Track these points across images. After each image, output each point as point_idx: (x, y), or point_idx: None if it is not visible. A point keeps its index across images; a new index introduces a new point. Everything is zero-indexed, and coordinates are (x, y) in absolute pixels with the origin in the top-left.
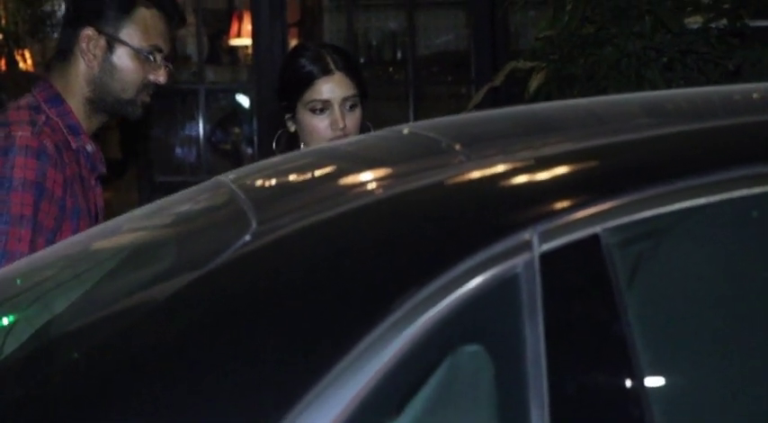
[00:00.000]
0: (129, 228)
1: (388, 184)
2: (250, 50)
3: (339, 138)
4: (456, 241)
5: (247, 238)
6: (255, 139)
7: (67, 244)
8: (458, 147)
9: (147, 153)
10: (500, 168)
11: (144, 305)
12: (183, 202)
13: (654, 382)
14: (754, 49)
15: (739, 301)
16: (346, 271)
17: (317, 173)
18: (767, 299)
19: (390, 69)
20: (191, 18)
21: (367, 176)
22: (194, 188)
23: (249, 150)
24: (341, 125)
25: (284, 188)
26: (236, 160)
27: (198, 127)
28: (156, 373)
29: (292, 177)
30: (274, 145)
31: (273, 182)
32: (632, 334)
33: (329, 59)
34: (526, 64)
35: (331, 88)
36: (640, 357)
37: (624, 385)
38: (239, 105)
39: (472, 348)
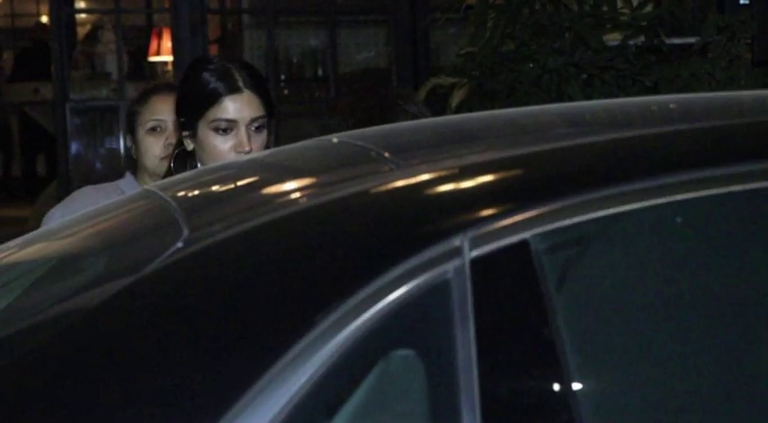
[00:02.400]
0: (57, 237)
1: (317, 192)
2: (170, 67)
3: None
4: (386, 248)
5: (179, 244)
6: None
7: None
8: (387, 155)
9: (67, 169)
10: (429, 176)
11: (75, 312)
12: (111, 211)
13: (582, 385)
14: (670, 66)
15: (665, 305)
16: (276, 278)
17: (246, 182)
18: (693, 302)
19: (311, 86)
20: (110, 35)
21: (296, 185)
22: (122, 198)
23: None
24: (246, 148)
25: (214, 197)
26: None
27: (118, 142)
28: (83, 380)
29: (221, 186)
30: (171, 164)
31: (203, 190)
32: (561, 338)
33: (237, 76)
34: (447, 80)
35: (238, 108)
36: (569, 361)
37: (553, 389)
38: None
39: (403, 354)
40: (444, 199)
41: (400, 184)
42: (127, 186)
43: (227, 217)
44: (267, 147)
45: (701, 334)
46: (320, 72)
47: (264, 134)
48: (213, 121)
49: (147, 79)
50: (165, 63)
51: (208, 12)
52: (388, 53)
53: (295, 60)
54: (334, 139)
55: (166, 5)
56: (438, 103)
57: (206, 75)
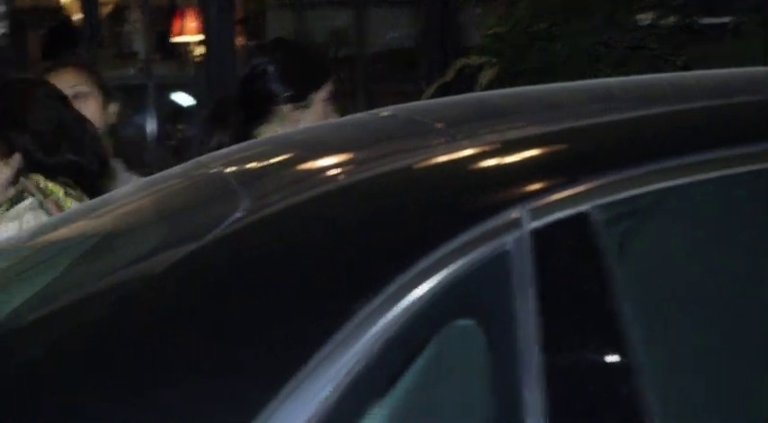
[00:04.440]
0: (112, 208)
1: (373, 165)
2: (195, 47)
3: None
4: (446, 219)
5: (238, 214)
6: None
7: (49, 225)
8: (442, 127)
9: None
10: (486, 148)
11: (134, 282)
12: (166, 181)
13: (642, 356)
14: (702, 46)
15: (724, 276)
16: (335, 250)
17: (300, 154)
18: (754, 274)
19: (339, 67)
20: (137, 14)
21: (351, 157)
22: (176, 169)
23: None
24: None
25: (269, 168)
26: (184, 156)
27: (145, 121)
28: (143, 350)
29: (276, 158)
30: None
31: (258, 162)
32: (621, 309)
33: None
34: (476, 60)
35: None
36: (629, 332)
37: (615, 360)
38: (186, 101)
39: (463, 326)
40: (503, 171)
41: (457, 156)
42: None
43: (284, 188)
44: None
45: (761, 306)
46: (347, 53)
47: None
48: (331, 91)
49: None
50: (188, 43)
51: None
52: (417, 33)
53: (321, 41)
54: (385, 112)
55: None
56: (466, 83)
57: (317, 49)
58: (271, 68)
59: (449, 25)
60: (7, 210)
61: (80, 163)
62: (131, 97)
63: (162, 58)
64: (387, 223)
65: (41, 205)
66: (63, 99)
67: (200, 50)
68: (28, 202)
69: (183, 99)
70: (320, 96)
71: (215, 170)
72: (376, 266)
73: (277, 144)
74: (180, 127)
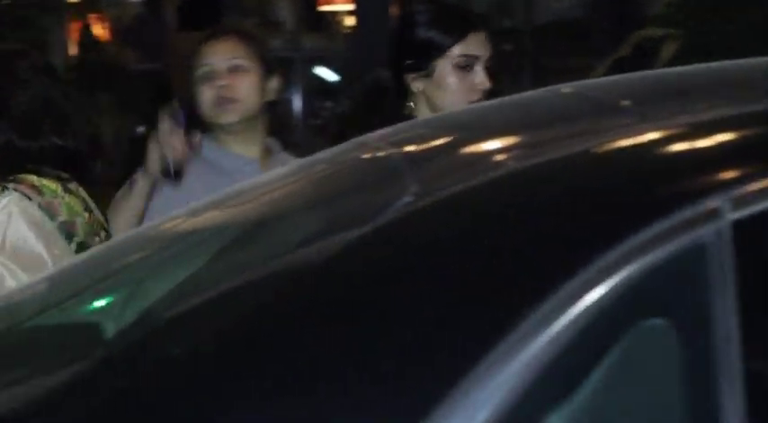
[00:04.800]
0: (269, 189)
1: (554, 146)
2: (345, 17)
3: (477, 101)
4: (635, 209)
5: (408, 198)
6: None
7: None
8: (627, 106)
9: None
10: (679, 130)
11: (299, 267)
12: (325, 163)
13: None
14: None
15: None
16: (515, 237)
17: (472, 133)
18: None
19: (503, 40)
20: None
21: (528, 138)
22: (333, 149)
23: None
24: (487, 85)
25: (438, 149)
26: (331, 135)
27: (291, 94)
28: (312, 335)
29: (444, 138)
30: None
31: (428, 143)
32: None
33: (473, 15)
34: (656, 32)
35: (481, 44)
36: None
37: None
38: (332, 77)
39: (654, 323)
40: (698, 155)
41: (646, 138)
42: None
43: (457, 170)
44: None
45: None
46: (512, 24)
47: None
48: (459, 56)
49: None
50: (336, 12)
51: None
52: (589, 2)
53: (483, 11)
54: (564, 90)
55: None
56: (645, 58)
57: (444, 14)
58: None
59: None
60: None
61: (67, 147)
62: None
63: (309, 30)
64: (569, 211)
65: (33, 203)
66: (50, 71)
67: (350, 21)
68: (5, 199)
69: (329, 74)
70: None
71: (378, 151)
72: (561, 258)
73: (445, 124)
74: (327, 104)
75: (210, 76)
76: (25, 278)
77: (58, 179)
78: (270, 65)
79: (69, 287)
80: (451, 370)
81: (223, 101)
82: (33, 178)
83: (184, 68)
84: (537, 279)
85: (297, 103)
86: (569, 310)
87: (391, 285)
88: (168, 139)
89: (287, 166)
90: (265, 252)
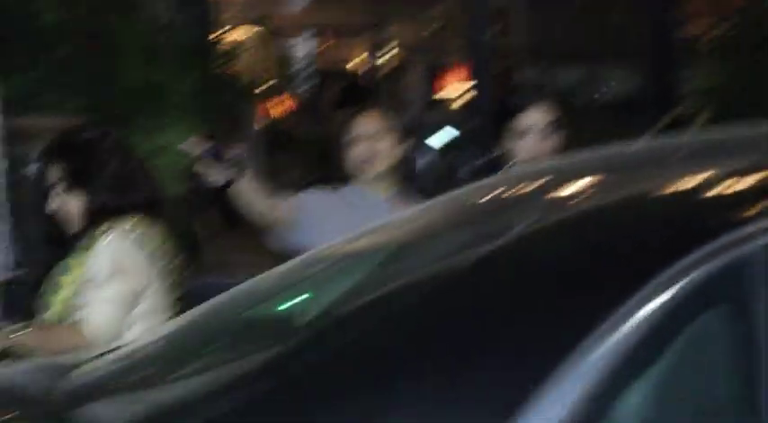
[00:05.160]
0: (436, 211)
1: (647, 181)
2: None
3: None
4: (701, 229)
5: (536, 217)
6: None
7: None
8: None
9: None
10: (727, 173)
11: (453, 270)
12: (486, 188)
13: None
14: None
15: None
16: (613, 246)
17: (589, 171)
18: None
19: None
20: (411, 74)
21: (626, 176)
22: (489, 180)
23: None
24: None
25: (571, 179)
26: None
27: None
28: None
29: (579, 172)
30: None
31: (560, 176)
32: None
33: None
34: (690, 107)
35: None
36: None
37: None
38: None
39: (714, 313)
40: (741, 194)
41: (705, 179)
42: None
43: (583, 195)
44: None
45: None
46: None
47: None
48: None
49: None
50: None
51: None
52: (633, 87)
53: (561, 91)
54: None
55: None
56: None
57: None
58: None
59: (665, 80)
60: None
61: (148, 199)
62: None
63: (429, 108)
64: (653, 230)
65: (128, 236)
66: (122, 148)
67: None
68: (109, 238)
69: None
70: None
71: (511, 185)
72: (642, 263)
73: (567, 165)
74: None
75: (356, 141)
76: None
77: (141, 220)
78: (398, 134)
79: (269, 290)
80: (560, 347)
81: (365, 159)
82: (126, 221)
83: (339, 135)
84: (627, 278)
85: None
86: (650, 305)
87: (510, 288)
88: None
89: (442, 197)
90: (422, 262)
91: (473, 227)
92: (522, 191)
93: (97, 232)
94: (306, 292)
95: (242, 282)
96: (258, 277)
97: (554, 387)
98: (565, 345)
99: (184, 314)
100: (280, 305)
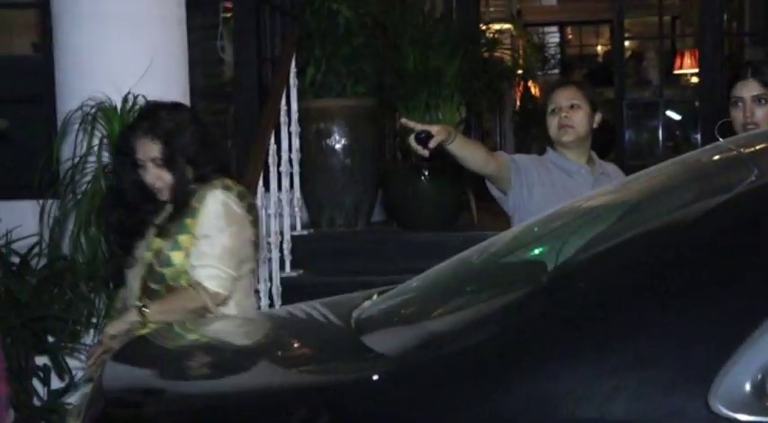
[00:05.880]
0: (652, 176)
1: None
2: (691, 77)
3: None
4: None
5: (752, 178)
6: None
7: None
8: None
9: (623, 147)
10: None
11: (677, 222)
12: (696, 157)
13: None
14: None
15: None
16: None
17: None
18: None
19: None
20: (651, 55)
21: None
22: (700, 150)
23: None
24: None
25: None
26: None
27: (657, 128)
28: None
29: None
30: (716, 131)
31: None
32: None
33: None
34: None
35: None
36: None
37: None
38: (678, 115)
39: None
40: None
41: None
42: (550, 156)
43: None
44: None
45: None
46: None
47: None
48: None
49: (677, 85)
50: (686, 74)
51: (724, 35)
52: None
53: None
54: None
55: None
56: None
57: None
58: None
59: None
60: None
61: (225, 165)
62: (646, 112)
63: (668, 85)
64: None
65: (232, 192)
66: (198, 119)
67: (694, 79)
68: (216, 191)
69: (676, 114)
70: None
71: (730, 150)
72: None
73: None
74: (677, 132)
75: (556, 111)
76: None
77: (233, 181)
78: (595, 105)
79: (523, 239)
80: None
81: (563, 126)
82: (225, 180)
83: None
84: None
85: (660, 131)
86: None
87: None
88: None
89: (669, 161)
90: (651, 216)
91: (699, 184)
92: (743, 154)
93: (201, 192)
94: (554, 242)
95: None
96: (510, 230)
97: None
98: None
99: (447, 260)
100: (532, 252)
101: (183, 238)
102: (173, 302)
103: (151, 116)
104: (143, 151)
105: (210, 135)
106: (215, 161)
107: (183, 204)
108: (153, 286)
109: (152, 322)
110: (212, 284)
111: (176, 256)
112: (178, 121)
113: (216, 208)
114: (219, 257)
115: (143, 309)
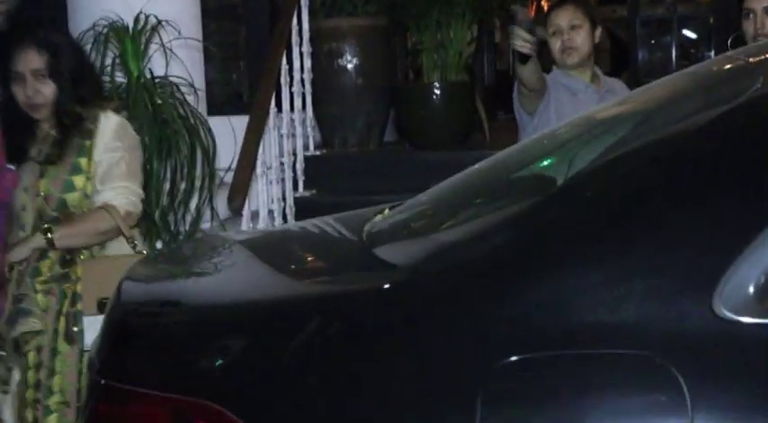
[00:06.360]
0: (662, 85)
1: None
2: None
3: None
4: None
5: (757, 86)
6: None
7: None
8: None
9: (636, 64)
10: None
11: (685, 128)
12: (709, 66)
13: None
14: None
15: None
16: None
17: None
18: None
19: None
20: None
21: None
22: (713, 59)
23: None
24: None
25: None
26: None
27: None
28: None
29: None
30: (729, 45)
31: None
32: None
33: None
34: None
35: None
36: None
37: None
38: (693, 34)
39: None
40: None
41: None
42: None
43: None
44: None
45: None
46: None
47: None
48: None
49: (690, 1)
50: None
51: None
52: None
53: None
54: None
55: None
56: None
57: None
58: None
59: None
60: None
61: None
62: (660, 29)
63: (681, 1)
64: None
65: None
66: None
67: None
68: (109, 116)
69: (691, 32)
70: None
71: (739, 59)
72: None
73: None
74: (691, 50)
75: (558, 33)
76: None
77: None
78: (595, 21)
79: (533, 152)
80: None
81: (566, 48)
82: (110, 103)
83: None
84: None
85: (674, 49)
86: None
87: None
88: (517, 33)
89: (679, 73)
90: (662, 122)
91: (708, 94)
92: (749, 64)
93: (92, 113)
94: (563, 154)
95: None
96: (520, 143)
97: None
98: None
99: (457, 174)
100: (541, 164)
101: (82, 161)
102: (82, 225)
103: (37, 27)
104: (24, 62)
105: (89, 61)
106: (96, 85)
107: (73, 125)
108: (52, 214)
109: (59, 246)
110: (123, 204)
111: (78, 180)
112: (64, 38)
113: (114, 128)
114: (126, 176)
115: (48, 234)
